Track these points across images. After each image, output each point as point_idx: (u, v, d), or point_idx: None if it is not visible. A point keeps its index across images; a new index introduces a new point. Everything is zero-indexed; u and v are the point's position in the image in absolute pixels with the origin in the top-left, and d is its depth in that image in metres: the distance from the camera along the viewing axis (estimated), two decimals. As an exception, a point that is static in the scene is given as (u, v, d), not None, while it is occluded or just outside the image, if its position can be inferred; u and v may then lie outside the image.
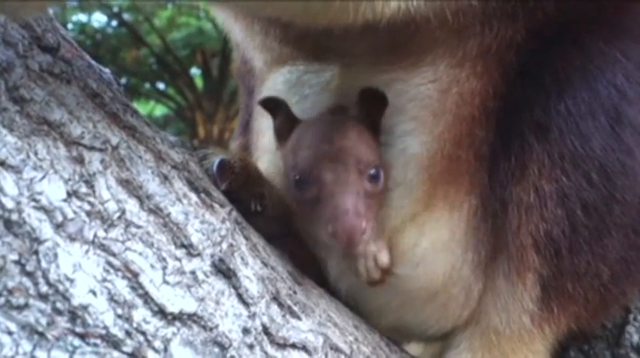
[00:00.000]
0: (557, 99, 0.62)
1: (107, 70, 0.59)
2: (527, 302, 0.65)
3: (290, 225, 0.70)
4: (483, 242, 0.66)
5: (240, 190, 0.65)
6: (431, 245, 0.66)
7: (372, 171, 0.62)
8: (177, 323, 0.49)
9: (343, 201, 0.60)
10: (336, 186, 0.60)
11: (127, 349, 0.45)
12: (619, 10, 0.65)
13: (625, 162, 0.61)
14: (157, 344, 0.47)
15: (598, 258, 0.63)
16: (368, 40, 0.64)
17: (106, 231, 0.47)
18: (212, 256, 0.53)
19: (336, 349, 0.61)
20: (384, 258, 0.64)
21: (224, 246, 0.54)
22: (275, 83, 0.75)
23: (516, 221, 0.63)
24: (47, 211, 0.45)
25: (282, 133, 0.68)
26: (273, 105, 0.69)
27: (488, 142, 0.64)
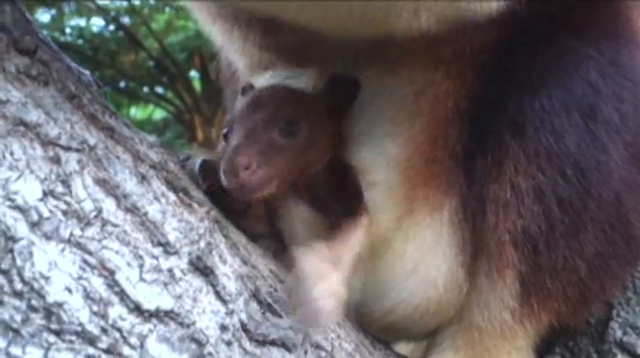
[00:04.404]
0: (532, 96, 0.62)
1: (86, 72, 0.60)
2: (507, 299, 0.66)
3: (274, 225, 0.71)
4: (467, 241, 0.67)
5: (223, 190, 0.66)
6: (418, 251, 0.67)
7: (286, 123, 0.62)
8: (154, 320, 0.49)
9: (236, 140, 0.61)
10: (241, 131, 0.62)
11: (103, 345, 0.46)
12: (591, 8, 0.66)
13: (599, 158, 0.62)
14: (133, 340, 0.48)
15: (575, 254, 0.64)
16: (350, 47, 0.65)
17: (82, 229, 0.48)
18: (189, 254, 0.54)
19: (316, 346, 0.62)
20: (336, 288, 0.56)
21: (202, 244, 0.55)
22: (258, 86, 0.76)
23: (494, 218, 0.64)
24: (23, 210, 0.45)
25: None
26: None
27: (463, 142, 0.65)
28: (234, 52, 0.77)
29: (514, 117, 0.62)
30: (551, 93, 0.62)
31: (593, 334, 0.79)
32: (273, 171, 0.61)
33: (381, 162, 0.66)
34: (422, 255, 0.66)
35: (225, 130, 0.65)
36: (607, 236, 0.65)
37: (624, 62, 0.65)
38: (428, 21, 0.55)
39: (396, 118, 0.66)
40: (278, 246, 0.72)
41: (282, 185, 0.63)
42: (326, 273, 0.56)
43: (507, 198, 0.62)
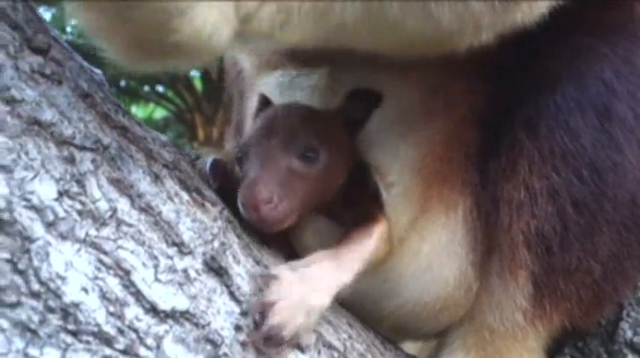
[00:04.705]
0: (547, 95, 0.62)
1: (98, 71, 0.60)
2: (519, 300, 0.66)
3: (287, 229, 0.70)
4: (479, 241, 0.66)
5: (233, 189, 0.66)
6: (433, 249, 0.66)
7: (304, 150, 0.60)
8: (170, 321, 0.49)
9: (254, 171, 0.58)
10: (259, 159, 0.59)
11: (120, 346, 0.46)
12: (605, 8, 0.65)
13: (614, 158, 0.62)
14: (150, 341, 0.47)
15: (589, 255, 0.63)
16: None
17: (97, 229, 0.48)
18: (204, 254, 0.53)
19: (329, 346, 0.62)
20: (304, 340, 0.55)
21: (215, 244, 0.55)
22: (267, 86, 0.76)
23: (508, 218, 0.63)
24: (38, 210, 0.45)
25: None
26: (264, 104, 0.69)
27: (478, 141, 0.64)
28: (241, 51, 0.76)
29: (528, 117, 0.62)
30: (565, 92, 0.62)
31: (603, 334, 0.79)
32: (294, 202, 0.59)
33: (397, 163, 0.65)
34: (436, 253, 0.66)
35: (238, 155, 0.62)
36: (622, 237, 0.64)
37: (638, 61, 0.65)
38: (487, 36, 0.54)
39: (411, 119, 0.65)
40: (288, 245, 0.71)
41: (304, 213, 0.61)
42: (295, 300, 0.53)
43: (521, 198, 0.62)
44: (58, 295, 0.44)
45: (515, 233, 0.63)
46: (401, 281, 0.67)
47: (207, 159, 0.68)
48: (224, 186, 0.65)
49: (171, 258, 0.51)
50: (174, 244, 0.52)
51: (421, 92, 0.65)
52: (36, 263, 0.43)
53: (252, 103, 0.77)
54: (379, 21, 0.51)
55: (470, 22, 0.52)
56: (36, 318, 0.42)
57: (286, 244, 0.70)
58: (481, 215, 0.65)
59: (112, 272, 0.47)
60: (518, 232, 0.63)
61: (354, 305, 0.69)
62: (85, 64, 0.59)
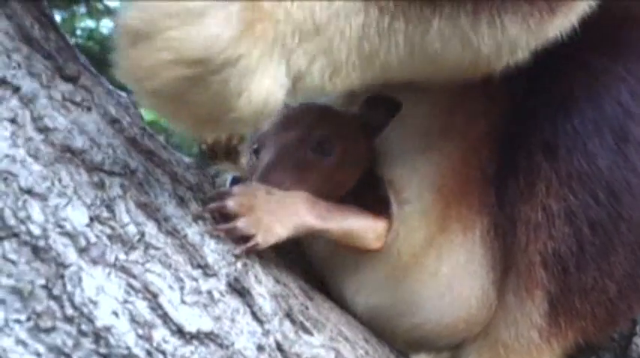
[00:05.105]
0: (564, 117, 0.63)
1: (124, 94, 0.62)
2: (535, 318, 0.67)
3: (301, 240, 0.72)
4: (497, 260, 0.67)
5: None
6: (452, 270, 0.67)
7: (319, 141, 0.62)
8: (195, 342, 0.50)
9: (270, 158, 0.60)
10: (274, 148, 0.61)
11: (148, 368, 0.47)
12: (621, 29, 0.66)
13: (631, 180, 0.63)
14: (176, 362, 0.49)
15: (605, 274, 0.64)
16: None
17: (126, 253, 0.49)
18: (227, 276, 0.55)
19: (347, 363, 0.63)
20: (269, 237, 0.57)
21: (239, 265, 0.56)
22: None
23: (525, 239, 0.64)
24: (71, 236, 0.47)
25: None
26: None
27: (495, 161, 0.65)
28: None
29: (546, 139, 0.63)
30: (583, 114, 0.63)
31: (616, 349, 0.80)
32: (305, 190, 0.61)
33: (414, 180, 0.66)
34: (455, 274, 0.66)
35: (255, 146, 0.65)
36: (636, 256, 0.65)
37: None
38: (523, 55, 0.57)
39: (429, 136, 0.66)
40: (305, 260, 0.73)
41: None
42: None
43: (539, 219, 0.63)
44: (90, 319, 0.45)
45: (532, 253, 0.64)
46: (420, 301, 0.68)
47: (227, 177, 0.70)
48: None
49: (196, 279, 0.53)
50: (199, 266, 0.53)
51: (440, 109, 0.66)
52: (69, 288, 0.45)
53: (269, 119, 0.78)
54: (421, 57, 0.53)
55: (507, 46, 0.54)
56: (70, 343, 0.44)
57: (303, 257, 0.71)
58: (498, 234, 0.65)
59: (140, 295, 0.49)
60: (536, 252, 0.64)
61: (371, 320, 0.70)
62: (112, 87, 0.61)
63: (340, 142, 0.63)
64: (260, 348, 0.54)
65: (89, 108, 0.53)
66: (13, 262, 0.44)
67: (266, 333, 0.55)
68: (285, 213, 0.58)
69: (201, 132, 0.51)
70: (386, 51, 0.52)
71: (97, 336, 0.45)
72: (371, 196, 0.67)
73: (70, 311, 0.45)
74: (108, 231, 0.49)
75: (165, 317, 0.49)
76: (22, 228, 0.45)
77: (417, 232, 0.66)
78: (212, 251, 0.55)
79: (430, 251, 0.66)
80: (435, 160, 0.66)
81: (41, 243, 0.45)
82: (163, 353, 0.48)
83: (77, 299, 0.45)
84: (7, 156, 0.46)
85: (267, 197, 0.58)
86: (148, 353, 0.47)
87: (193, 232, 0.55)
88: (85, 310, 0.45)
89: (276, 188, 0.59)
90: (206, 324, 0.52)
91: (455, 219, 0.66)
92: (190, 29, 0.45)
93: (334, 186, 0.64)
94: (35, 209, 0.46)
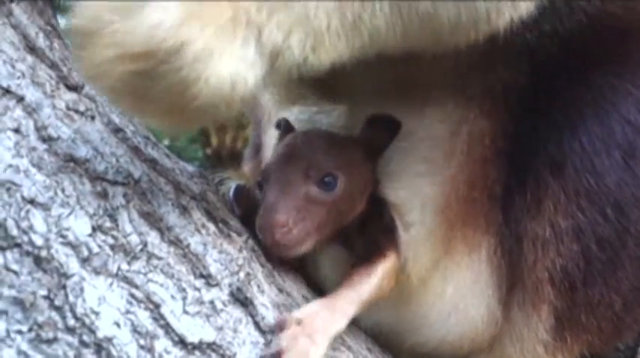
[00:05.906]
0: (571, 135, 0.62)
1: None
2: (541, 333, 0.66)
3: (305, 259, 0.71)
4: (503, 278, 0.66)
5: (256, 214, 0.67)
6: (457, 291, 0.66)
7: (323, 176, 0.61)
8: (197, 353, 0.50)
9: (273, 196, 0.59)
10: (278, 185, 0.60)
11: (150, 379, 0.47)
12: (628, 44, 0.66)
13: (638, 195, 0.62)
14: (178, 373, 0.49)
15: (611, 289, 0.64)
16: (376, 78, 0.65)
17: (129, 263, 0.49)
18: (230, 285, 0.55)
19: (349, 373, 0.62)
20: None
21: (241, 275, 0.56)
22: None
23: (532, 256, 0.63)
24: (74, 246, 0.47)
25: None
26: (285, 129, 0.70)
27: (501, 181, 0.64)
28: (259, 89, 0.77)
29: (553, 156, 0.62)
30: (590, 131, 0.62)
31: (622, 359, 0.79)
32: (310, 228, 0.60)
33: (417, 202, 0.65)
34: (461, 295, 0.66)
35: (259, 179, 0.64)
36: None
37: None
38: (527, 7, 0.53)
39: (432, 157, 0.65)
40: (307, 270, 0.72)
41: (321, 240, 0.62)
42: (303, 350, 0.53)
43: (546, 236, 0.62)
44: (92, 330, 0.45)
45: (539, 270, 0.63)
46: (425, 321, 0.67)
47: (231, 186, 0.70)
48: (247, 211, 0.66)
49: (198, 289, 0.53)
50: (202, 276, 0.53)
51: (442, 129, 0.66)
52: (71, 298, 0.45)
53: (271, 132, 0.77)
54: (411, 18, 0.50)
55: None
56: (71, 354, 0.44)
57: (306, 266, 0.71)
58: (505, 252, 0.65)
59: (142, 305, 0.48)
60: (543, 269, 0.63)
61: (374, 336, 0.70)
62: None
63: (344, 172, 0.62)
64: (262, 359, 0.54)
65: (93, 117, 0.53)
66: (15, 273, 0.44)
67: (268, 344, 0.55)
68: (314, 333, 0.56)
69: (174, 125, 0.49)
70: (370, 15, 0.48)
71: (99, 347, 0.45)
72: (376, 224, 0.66)
73: (71, 322, 0.45)
74: (110, 240, 0.49)
75: (168, 328, 0.49)
76: (25, 238, 0.45)
77: (423, 255, 0.65)
78: (215, 260, 0.55)
79: (436, 273, 0.66)
80: (437, 182, 0.65)
81: (43, 253, 0.45)
82: (165, 364, 0.48)
83: (79, 310, 0.45)
84: (10, 166, 0.46)
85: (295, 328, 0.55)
86: (150, 364, 0.47)
87: (196, 242, 0.55)
88: (87, 321, 0.45)
89: (279, 228, 0.58)
90: (208, 335, 0.51)
91: (460, 240, 0.65)
92: (131, 22, 0.43)
93: (340, 217, 0.63)
94: (38, 219, 0.46)
